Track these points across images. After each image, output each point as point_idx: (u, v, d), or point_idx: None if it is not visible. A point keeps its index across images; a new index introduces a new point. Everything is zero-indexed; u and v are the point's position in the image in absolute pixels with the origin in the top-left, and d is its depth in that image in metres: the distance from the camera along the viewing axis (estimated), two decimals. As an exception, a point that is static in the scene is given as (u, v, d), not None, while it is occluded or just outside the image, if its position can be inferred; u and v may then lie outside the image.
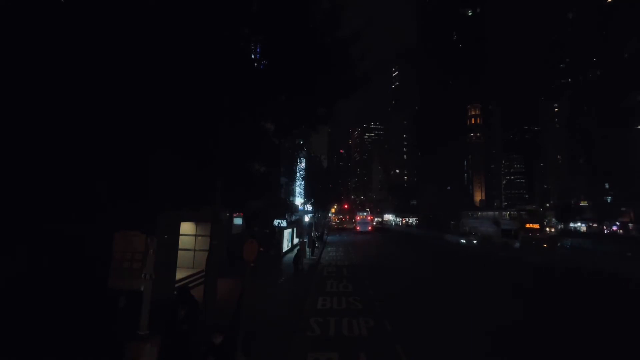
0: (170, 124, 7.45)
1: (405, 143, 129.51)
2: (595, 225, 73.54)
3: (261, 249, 13.04)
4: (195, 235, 15.09)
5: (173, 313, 6.34)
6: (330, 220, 74.08)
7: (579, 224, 79.87)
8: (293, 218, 33.61)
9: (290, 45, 7.79)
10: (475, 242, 37.50)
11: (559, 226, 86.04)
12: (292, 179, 32.94)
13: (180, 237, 12.32)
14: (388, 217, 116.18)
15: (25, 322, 6.31)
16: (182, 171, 8.42)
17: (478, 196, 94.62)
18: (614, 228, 67.49)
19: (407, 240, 45.80)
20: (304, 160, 34.69)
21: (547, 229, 42.96)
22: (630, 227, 61.40)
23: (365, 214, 67.73)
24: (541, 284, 17.18)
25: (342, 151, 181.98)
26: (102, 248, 8.59)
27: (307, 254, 23.46)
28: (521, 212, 43.83)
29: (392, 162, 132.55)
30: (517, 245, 32.49)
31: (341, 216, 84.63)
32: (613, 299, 13.83)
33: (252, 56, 8.65)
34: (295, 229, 29.32)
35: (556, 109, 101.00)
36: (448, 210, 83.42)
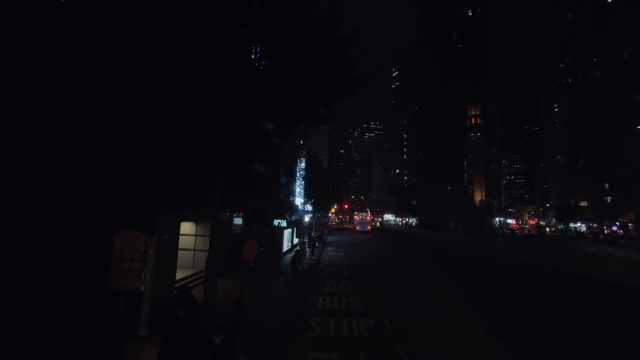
0: (170, 124, 7.46)
1: (405, 143, 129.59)
2: (595, 225, 73.58)
3: (261, 249, 13.04)
4: (195, 235, 15.10)
5: (173, 313, 6.35)
6: (330, 220, 74.11)
7: (578, 224, 79.98)
8: (293, 218, 33.61)
9: (290, 45, 7.80)
10: None
11: (559, 226, 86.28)
12: (292, 179, 32.94)
13: (180, 237, 12.32)
14: (388, 217, 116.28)
15: (25, 322, 6.31)
16: (183, 171, 8.42)
17: (478, 196, 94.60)
18: (614, 228, 67.46)
19: (406, 240, 45.80)
20: (304, 160, 34.68)
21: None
22: (630, 227, 61.37)
23: (364, 214, 67.94)
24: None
25: (342, 151, 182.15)
26: (102, 248, 8.59)
27: (307, 254, 23.46)
28: None
29: (392, 162, 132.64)
30: None
31: (341, 216, 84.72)
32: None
33: (252, 56, 8.66)
34: (295, 229, 29.33)
35: (556, 109, 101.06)
36: (448, 210, 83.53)
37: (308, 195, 38.39)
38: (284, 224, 24.42)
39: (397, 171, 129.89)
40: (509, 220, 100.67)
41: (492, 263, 23.83)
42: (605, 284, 16.64)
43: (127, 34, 6.79)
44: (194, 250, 14.99)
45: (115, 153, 7.66)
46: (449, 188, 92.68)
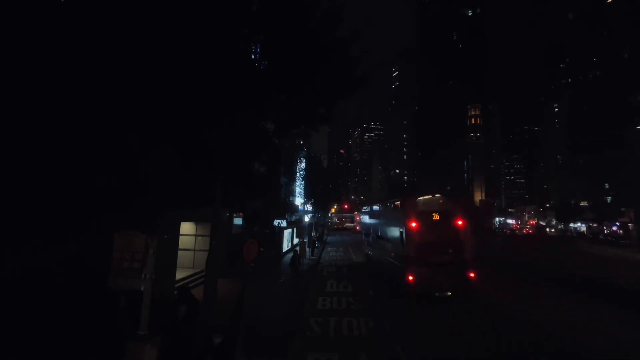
0: (170, 125, 7.46)
1: (405, 143, 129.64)
2: (595, 225, 73.61)
3: (261, 249, 13.03)
4: (195, 235, 15.10)
5: (174, 313, 6.35)
6: (331, 218, 73.97)
7: (578, 224, 79.98)
8: (293, 218, 33.60)
9: (289, 45, 7.80)
10: None
11: (559, 226, 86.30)
12: (292, 179, 32.91)
13: (180, 237, 12.33)
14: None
15: (26, 321, 6.31)
16: (183, 171, 8.41)
17: (478, 196, 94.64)
18: (614, 228, 67.51)
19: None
20: (304, 160, 34.66)
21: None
22: (630, 227, 61.40)
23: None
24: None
25: (342, 151, 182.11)
26: (102, 248, 8.59)
27: (307, 254, 23.46)
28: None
29: (392, 162, 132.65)
30: None
31: (341, 215, 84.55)
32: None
33: (252, 56, 8.67)
34: (295, 229, 29.32)
35: (556, 109, 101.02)
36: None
37: (308, 195, 38.34)
38: (284, 224, 24.41)
39: (397, 171, 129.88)
40: (509, 220, 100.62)
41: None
42: None
43: (127, 36, 6.79)
44: (194, 250, 14.99)
45: (115, 153, 7.67)
46: (449, 188, 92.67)
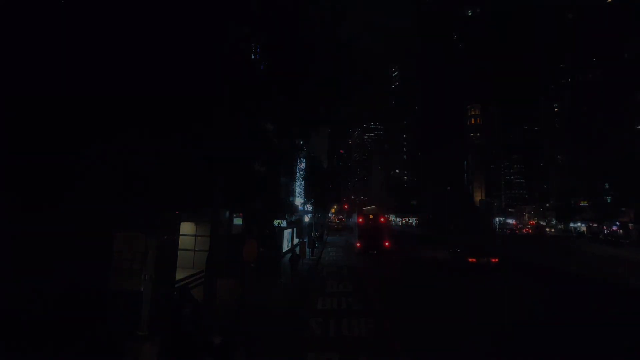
0: (171, 124, 7.46)
1: (405, 143, 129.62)
2: (595, 225, 73.58)
3: (261, 249, 13.04)
4: (195, 235, 15.11)
5: (174, 313, 6.35)
6: (330, 221, 73.97)
7: (578, 224, 79.96)
8: (293, 218, 33.51)
9: (290, 46, 7.80)
10: None
11: (559, 226, 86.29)
12: (292, 179, 32.79)
13: (180, 237, 12.32)
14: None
15: (24, 322, 6.31)
16: (183, 171, 8.41)
17: (478, 196, 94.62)
18: (614, 228, 67.49)
19: (408, 240, 45.75)
20: (304, 160, 34.54)
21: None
22: (630, 227, 61.38)
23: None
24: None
25: (342, 151, 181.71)
26: (102, 248, 8.58)
27: (307, 254, 23.46)
28: None
29: (392, 162, 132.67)
30: None
31: (341, 216, 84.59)
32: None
33: (252, 56, 8.67)
34: (295, 229, 29.30)
35: (556, 109, 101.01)
36: (448, 210, 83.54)
37: (308, 196, 38.27)
38: (284, 224, 24.33)
39: (397, 171, 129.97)
40: (509, 220, 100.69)
41: None
42: None
43: (128, 35, 6.79)
44: (194, 250, 15.00)
45: (115, 153, 7.66)
46: (449, 188, 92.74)
